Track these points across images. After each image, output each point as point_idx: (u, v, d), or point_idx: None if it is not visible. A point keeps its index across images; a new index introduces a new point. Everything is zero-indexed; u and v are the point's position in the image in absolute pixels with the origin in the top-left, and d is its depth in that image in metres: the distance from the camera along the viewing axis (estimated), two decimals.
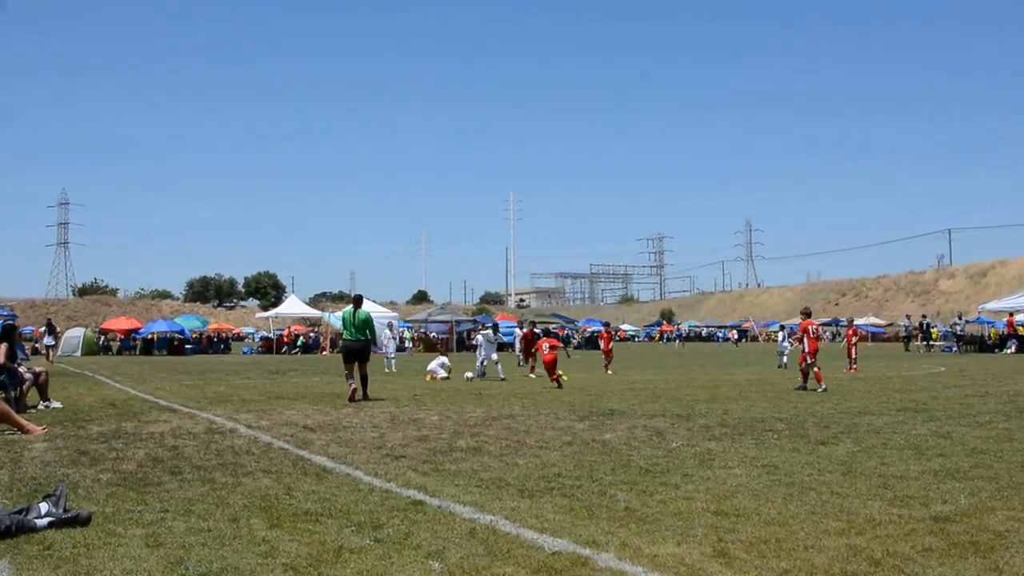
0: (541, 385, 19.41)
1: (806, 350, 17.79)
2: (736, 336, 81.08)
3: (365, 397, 15.73)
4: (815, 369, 17.58)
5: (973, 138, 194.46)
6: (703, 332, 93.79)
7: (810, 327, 18.37)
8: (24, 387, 13.51)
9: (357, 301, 16.63)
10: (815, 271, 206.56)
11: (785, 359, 28.16)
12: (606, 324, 31.36)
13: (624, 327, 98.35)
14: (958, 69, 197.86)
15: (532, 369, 23.58)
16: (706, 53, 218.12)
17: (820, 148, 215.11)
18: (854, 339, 26.80)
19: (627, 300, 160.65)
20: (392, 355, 29.65)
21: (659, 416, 12.51)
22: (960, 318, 51.37)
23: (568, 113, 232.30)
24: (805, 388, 17.43)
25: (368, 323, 16.25)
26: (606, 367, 26.56)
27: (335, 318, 50.07)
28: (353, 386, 15.57)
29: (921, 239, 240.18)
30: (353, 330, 16.10)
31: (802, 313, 19.63)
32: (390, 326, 31.37)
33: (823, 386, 17.25)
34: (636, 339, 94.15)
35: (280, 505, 6.30)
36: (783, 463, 8.11)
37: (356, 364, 15.96)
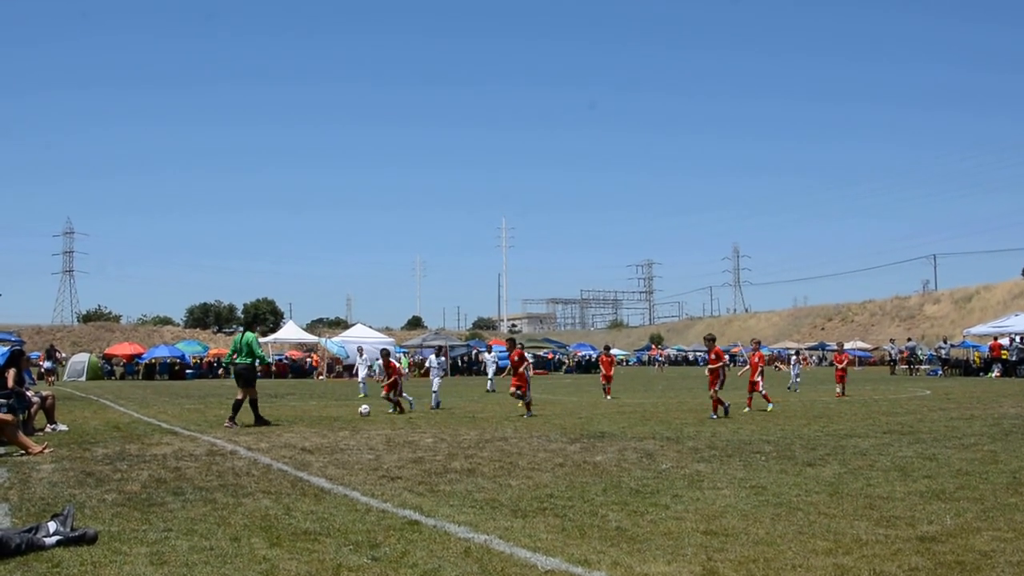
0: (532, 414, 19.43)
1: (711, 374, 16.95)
2: (729, 359, 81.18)
3: (258, 421, 15.38)
4: (713, 396, 16.75)
5: (958, 164, 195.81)
6: (690, 356, 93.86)
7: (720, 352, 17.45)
8: (32, 410, 13.87)
9: (248, 325, 16.33)
10: (802, 296, 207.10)
11: (798, 381, 28.64)
12: (607, 348, 29.07)
13: (614, 352, 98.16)
14: (944, 95, 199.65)
15: (528, 406, 18.19)
16: (696, 81, 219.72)
17: (806, 174, 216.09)
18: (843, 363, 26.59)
19: (617, 325, 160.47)
20: (363, 380, 28.36)
21: (649, 438, 12.63)
22: (945, 342, 51.69)
23: (558, 141, 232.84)
24: (716, 417, 16.42)
25: (247, 346, 15.68)
26: (606, 391, 25.32)
27: (332, 343, 50.09)
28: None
29: (907, 264, 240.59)
30: (242, 353, 15.75)
31: (707, 339, 17.90)
32: (360, 351, 30.71)
33: (715, 415, 16.51)
34: (627, 363, 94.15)
35: (280, 525, 6.41)
36: (771, 484, 8.23)
37: (242, 388, 15.55)
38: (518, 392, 17.93)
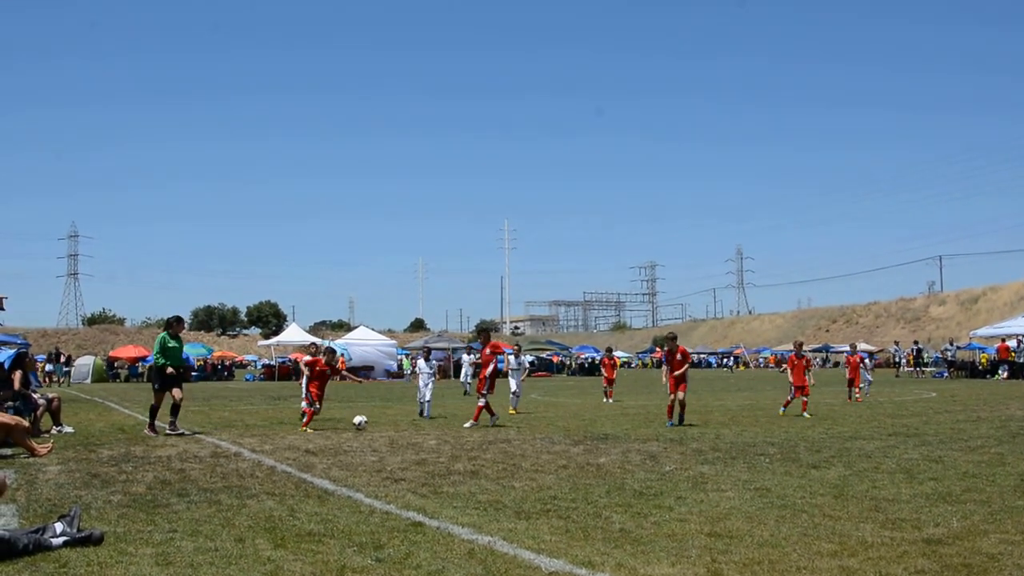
0: (535, 416, 19.42)
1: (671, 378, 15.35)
2: (733, 361, 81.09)
3: (150, 427, 14.05)
4: (679, 401, 15.25)
5: (964, 165, 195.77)
6: (694, 359, 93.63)
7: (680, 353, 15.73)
8: (38, 412, 13.87)
9: (165, 324, 14.92)
10: (806, 298, 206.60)
11: (869, 380, 26.99)
12: (608, 350, 27.60)
13: (617, 354, 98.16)
14: (949, 96, 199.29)
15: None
16: (699, 85, 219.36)
17: (810, 176, 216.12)
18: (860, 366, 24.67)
19: (620, 327, 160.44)
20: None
21: (652, 440, 12.63)
22: (951, 344, 51.56)
23: (560, 144, 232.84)
24: (673, 424, 15.13)
25: (157, 346, 14.38)
26: (609, 395, 24.53)
27: (336, 345, 50.21)
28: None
29: (912, 266, 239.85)
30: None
31: (669, 338, 16.01)
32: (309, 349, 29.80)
33: (673, 421, 15.23)
34: (630, 365, 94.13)
35: (284, 526, 6.43)
36: (775, 486, 8.22)
37: (159, 392, 14.19)
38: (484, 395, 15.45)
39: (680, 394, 15.29)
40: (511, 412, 19.25)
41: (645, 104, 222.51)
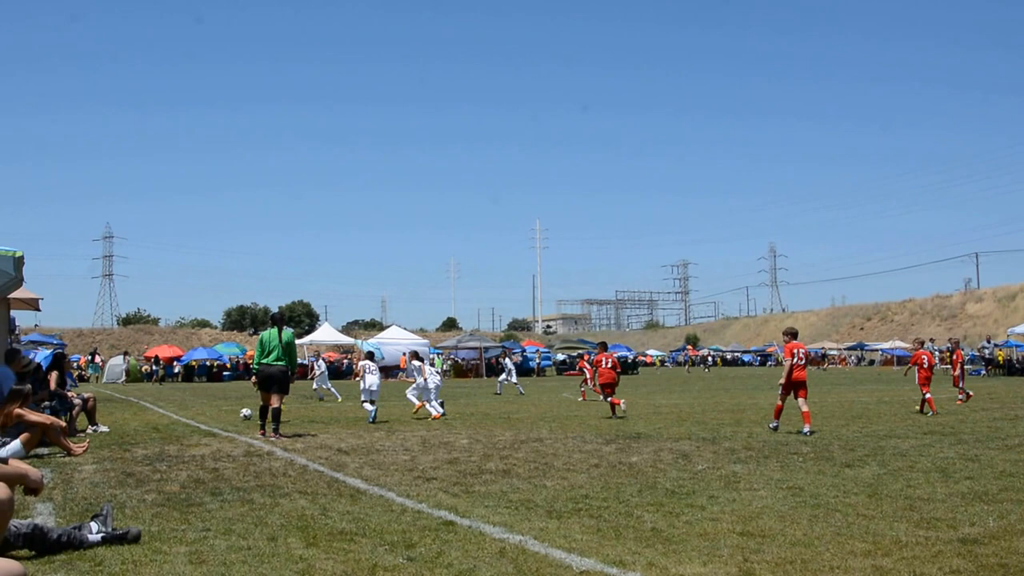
0: (568, 410, 19.38)
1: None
2: (759, 360, 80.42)
3: (276, 432, 13.38)
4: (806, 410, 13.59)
5: (1001, 159, 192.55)
6: (728, 357, 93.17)
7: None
8: (74, 412, 14.07)
9: (278, 320, 14.03)
10: (840, 295, 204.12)
11: None
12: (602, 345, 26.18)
13: (650, 352, 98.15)
14: (986, 88, 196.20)
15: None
16: (732, 80, 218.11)
17: (843, 171, 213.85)
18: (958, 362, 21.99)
19: (652, 326, 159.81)
20: (326, 384, 27.08)
21: (685, 439, 12.57)
22: (988, 342, 50.82)
23: (592, 142, 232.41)
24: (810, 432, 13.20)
25: (292, 346, 13.69)
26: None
27: (368, 345, 50.36)
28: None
29: (948, 263, 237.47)
30: (278, 352, 13.51)
31: (788, 333, 14.37)
32: (317, 353, 30.26)
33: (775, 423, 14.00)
34: (664, 364, 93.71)
35: (316, 525, 6.46)
36: (808, 485, 8.15)
37: (272, 394, 13.49)
38: None
39: (800, 401, 13.68)
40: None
41: (676, 102, 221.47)
